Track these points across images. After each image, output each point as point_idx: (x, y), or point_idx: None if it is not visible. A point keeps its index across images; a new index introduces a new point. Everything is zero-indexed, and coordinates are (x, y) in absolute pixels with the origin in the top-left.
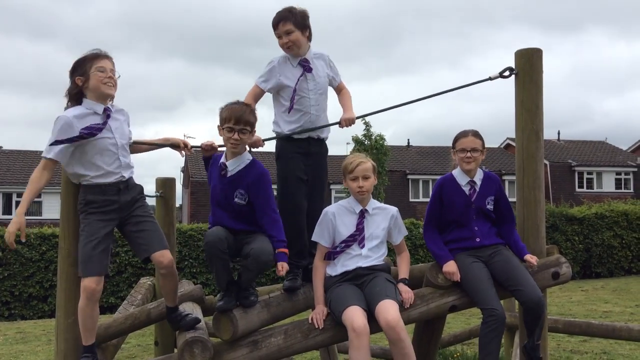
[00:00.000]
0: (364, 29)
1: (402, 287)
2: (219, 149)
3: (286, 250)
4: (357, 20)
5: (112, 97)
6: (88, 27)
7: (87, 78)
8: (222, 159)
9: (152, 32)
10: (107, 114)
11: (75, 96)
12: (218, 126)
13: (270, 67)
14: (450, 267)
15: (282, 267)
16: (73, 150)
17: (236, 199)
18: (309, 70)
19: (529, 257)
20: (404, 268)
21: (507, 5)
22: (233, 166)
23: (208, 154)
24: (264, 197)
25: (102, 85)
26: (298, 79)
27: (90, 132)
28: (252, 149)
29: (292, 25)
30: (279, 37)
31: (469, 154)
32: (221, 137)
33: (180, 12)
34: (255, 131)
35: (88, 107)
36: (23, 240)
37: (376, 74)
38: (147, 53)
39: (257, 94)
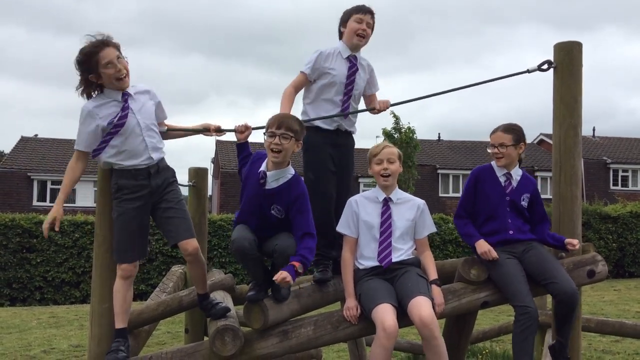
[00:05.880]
0: (380, 27)
1: (436, 290)
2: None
3: (297, 264)
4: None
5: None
6: (110, 24)
7: (99, 77)
8: (263, 167)
9: (171, 29)
10: (125, 98)
11: (95, 88)
12: (263, 134)
13: (318, 54)
14: (483, 246)
15: (280, 275)
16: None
17: (272, 212)
18: (356, 68)
19: (569, 240)
20: (431, 269)
21: (520, 4)
22: (273, 179)
23: (242, 137)
24: (304, 217)
25: (116, 81)
26: (347, 73)
27: (117, 126)
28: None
29: (373, 20)
30: (359, 21)
31: (496, 150)
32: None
33: (196, 9)
34: (300, 143)
35: (108, 96)
36: (56, 229)
37: (394, 71)
38: (169, 49)
39: (301, 82)
